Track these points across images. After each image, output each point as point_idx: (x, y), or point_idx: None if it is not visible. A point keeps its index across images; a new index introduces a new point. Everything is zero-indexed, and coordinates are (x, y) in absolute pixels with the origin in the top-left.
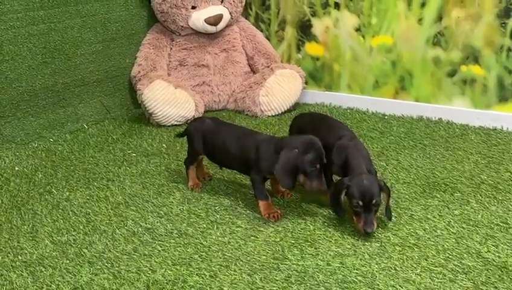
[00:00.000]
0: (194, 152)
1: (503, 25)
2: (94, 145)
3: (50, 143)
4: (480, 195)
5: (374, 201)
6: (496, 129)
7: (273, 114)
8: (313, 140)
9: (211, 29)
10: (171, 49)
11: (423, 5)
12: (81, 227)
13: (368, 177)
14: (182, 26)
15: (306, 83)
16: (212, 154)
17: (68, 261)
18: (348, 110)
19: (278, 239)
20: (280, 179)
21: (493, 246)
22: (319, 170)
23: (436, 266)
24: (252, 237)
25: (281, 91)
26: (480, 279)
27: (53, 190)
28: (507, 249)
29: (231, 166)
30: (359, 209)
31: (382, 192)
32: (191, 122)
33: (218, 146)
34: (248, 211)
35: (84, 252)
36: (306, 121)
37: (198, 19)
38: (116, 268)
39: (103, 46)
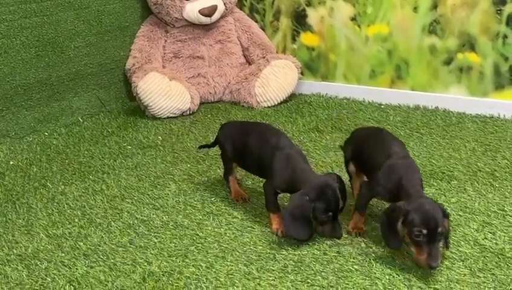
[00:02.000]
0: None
1: (498, 11)
2: (89, 139)
3: (45, 137)
4: (477, 183)
5: (439, 230)
6: (492, 117)
7: (269, 105)
8: (327, 184)
9: (206, 20)
10: (165, 41)
11: None
12: (77, 220)
13: (429, 202)
14: (176, 18)
15: (302, 73)
16: (240, 161)
17: (63, 255)
18: (344, 100)
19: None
20: (285, 227)
21: (490, 233)
22: (332, 216)
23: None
24: (249, 228)
25: (276, 82)
26: (478, 266)
27: (48, 184)
28: (504, 236)
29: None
30: (421, 239)
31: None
32: (221, 128)
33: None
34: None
35: (79, 245)
36: (358, 138)
37: (192, 10)
38: (112, 260)
39: (97, 38)
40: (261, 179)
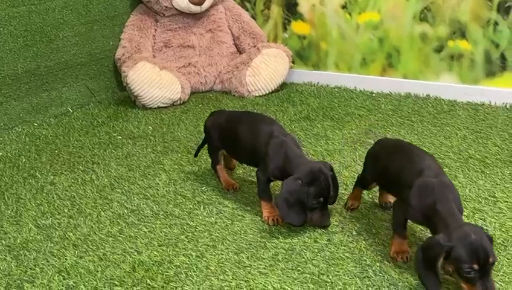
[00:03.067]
0: (214, 148)
1: None
2: (79, 129)
3: (34, 127)
4: (468, 169)
5: (490, 260)
6: (483, 104)
7: (260, 94)
8: (320, 169)
9: (196, 9)
10: (155, 30)
11: None
12: (66, 210)
13: (473, 229)
14: (166, 7)
15: (293, 62)
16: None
17: (52, 245)
18: (336, 89)
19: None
20: (281, 213)
21: (481, 219)
22: (322, 203)
23: (422, 241)
24: (239, 217)
25: (267, 71)
26: None
27: (37, 174)
28: (495, 223)
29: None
30: (473, 276)
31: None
32: (208, 117)
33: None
34: (235, 191)
35: (69, 236)
36: (382, 149)
37: None
38: (102, 250)
39: (86, 28)
40: (252, 168)
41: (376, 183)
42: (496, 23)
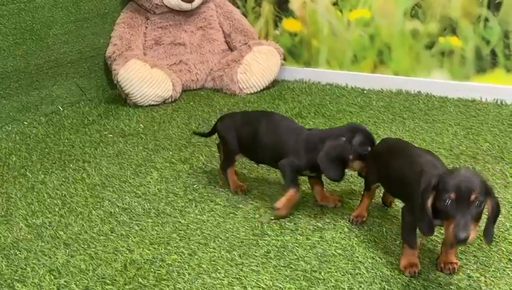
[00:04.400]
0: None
1: None
2: (70, 127)
3: (24, 126)
4: (459, 166)
5: (472, 197)
6: (474, 100)
7: (252, 91)
8: (358, 124)
9: (186, 6)
10: (146, 28)
11: None
12: (57, 209)
13: (468, 170)
14: (157, 4)
15: (284, 59)
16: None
17: (43, 244)
18: (327, 86)
19: (257, 215)
20: (324, 169)
21: None
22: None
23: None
24: (231, 214)
25: (259, 68)
26: (460, 248)
27: (28, 173)
28: (485, 219)
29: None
30: (450, 206)
31: (488, 198)
32: (220, 119)
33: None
34: (227, 189)
35: (60, 234)
36: (382, 150)
37: None
38: (93, 249)
39: (76, 26)
40: (254, 166)
41: (381, 185)
42: (487, 20)
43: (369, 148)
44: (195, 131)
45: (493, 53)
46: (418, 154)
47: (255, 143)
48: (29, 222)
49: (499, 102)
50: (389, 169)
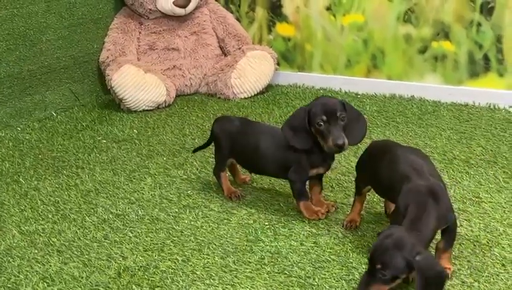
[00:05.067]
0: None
1: None
2: (63, 133)
3: (17, 132)
4: (453, 170)
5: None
6: (467, 105)
7: (246, 96)
8: (325, 97)
9: (180, 11)
10: (140, 33)
11: None
12: (50, 216)
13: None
14: (150, 9)
15: (278, 64)
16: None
17: (37, 251)
18: (321, 90)
19: (251, 221)
20: (288, 139)
21: (466, 220)
22: (329, 123)
23: None
24: (225, 220)
25: (253, 73)
26: (453, 253)
27: (21, 179)
28: (479, 223)
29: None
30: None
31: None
32: (215, 122)
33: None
34: (221, 194)
35: (53, 241)
36: (370, 153)
37: (166, 1)
38: (86, 256)
39: (69, 31)
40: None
41: (372, 188)
42: (479, 24)
43: (324, 119)
44: (195, 149)
45: (486, 57)
46: (403, 155)
47: (253, 154)
48: (22, 229)
49: (491, 106)
50: (377, 172)
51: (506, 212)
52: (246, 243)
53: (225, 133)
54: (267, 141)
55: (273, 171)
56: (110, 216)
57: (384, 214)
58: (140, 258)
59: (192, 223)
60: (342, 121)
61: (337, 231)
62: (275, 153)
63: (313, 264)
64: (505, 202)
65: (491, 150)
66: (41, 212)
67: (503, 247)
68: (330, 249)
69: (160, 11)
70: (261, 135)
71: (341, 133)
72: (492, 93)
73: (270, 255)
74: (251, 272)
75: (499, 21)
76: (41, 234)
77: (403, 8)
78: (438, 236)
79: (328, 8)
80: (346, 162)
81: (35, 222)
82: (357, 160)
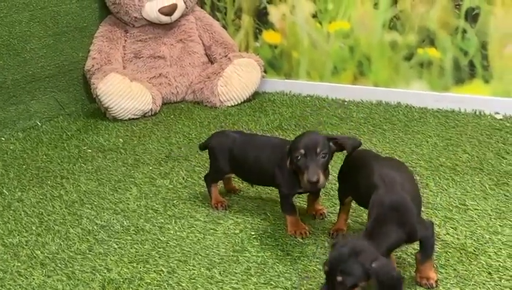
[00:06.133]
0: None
1: (457, 6)
2: (48, 143)
3: (1, 142)
4: (439, 177)
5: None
6: (453, 111)
7: (233, 104)
8: (310, 132)
9: (166, 19)
10: (125, 41)
11: None
12: (34, 228)
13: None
14: (136, 18)
15: (265, 71)
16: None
17: (20, 264)
18: (308, 98)
19: (238, 231)
20: (278, 180)
21: (452, 228)
22: (307, 157)
23: (395, 251)
24: (211, 230)
25: (239, 80)
26: (440, 262)
27: (4, 191)
28: (465, 231)
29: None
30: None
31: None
32: (213, 136)
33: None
34: (207, 204)
35: (36, 254)
36: (348, 163)
37: (152, 9)
38: (70, 269)
39: (54, 40)
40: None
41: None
42: (464, 31)
43: (301, 153)
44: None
45: (471, 64)
46: (377, 167)
47: (251, 167)
48: (5, 241)
49: (477, 112)
50: (355, 182)
51: (493, 219)
52: (232, 254)
53: (224, 149)
54: (265, 153)
55: (271, 183)
56: (95, 227)
57: None
58: (125, 270)
59: (178, 233)
60: (323, 158)
61: (323, 241)
62: (272, 165)
63: (300, 275)
64: (491, 210)
65: (477, 157)
66: (25, 224)
67: (489, 255)
68: (317, 258)
69: (145, 19)
70: (259, 147)
71: (317, 169)
72: (478, 99)
73: (257, 265)
74: (237, 283)
75: (483, 28)
76: (25, 247)
77: (388, 16)
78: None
79: (314, 16)
80: (333, 171)
81: (18, 234)
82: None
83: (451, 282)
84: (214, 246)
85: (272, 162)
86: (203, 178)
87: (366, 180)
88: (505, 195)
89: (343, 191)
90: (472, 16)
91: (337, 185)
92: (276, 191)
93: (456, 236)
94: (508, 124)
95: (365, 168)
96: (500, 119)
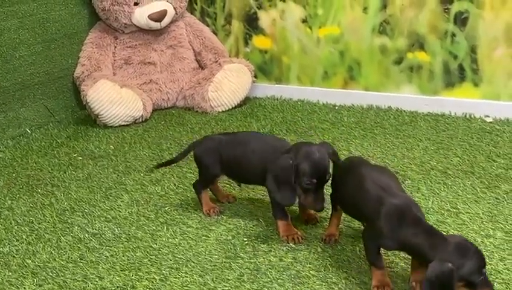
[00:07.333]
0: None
1: (446, 10)
2: (38, 150)
3: None
4: (430, 181)
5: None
6: (444, 115)
7: (224, 109)
8: (315, 148)
9: (155, 25)
10: (115, 47)
11: None
12: (24, 236)
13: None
14: (125, 24)
15: (255, 76)
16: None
17: (11, 273)
18: (299, 102)
19: (230, 237)
20: (272, 193)
21: (444, 232)
22: (316, 184)
23: (388, 255)
24: (204, 237)
25: (230, 86)
26: None
27: None
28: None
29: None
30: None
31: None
32: (195, 145)
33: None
34: (199, 210)
35: (27, 263)
36: (340, 170)
37: (141, 15)
38: (62, 277)
39: (43, 47)
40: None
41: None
42: (454, 35)
43: (314, 182)
44: (159, 164)
45: (461, 67)
46: (369, 175)
47: (242, 165)
48: None
49: (467, 116)
50: (343, 190)
51: (484, 223)
52: (224, 260)
53: (211, 153)
54: (256, 151)
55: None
56: (86, 235)
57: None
58: (117, 278)
59: (170, 240)
60: (328, 180)
61: (316, 246)
62: (262, 164)
63: (293, 280)
64: (482, 213)
65: (468, 160)
66: (16, 232)
67: None
68: (310, 264)
69: (135, 25)
70: (247, 144)
71: (322, 195)
72: (468, 103)
73: (249, 271)
74: None
75: (472, 31)
76: (15, 256)
77: (378, 20)
78: None
79: (304, 21)
80: None
81: (9, 243)
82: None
83: None
84: (207, 252)
85: (262, 160)
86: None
87: (359, 189)
88: (496, 198)
89: (334, 197)
90: (461, 20)
91: (328, 189)
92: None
93: None
94: (498, 127)
95: (356, 176)
96: (490, 123)
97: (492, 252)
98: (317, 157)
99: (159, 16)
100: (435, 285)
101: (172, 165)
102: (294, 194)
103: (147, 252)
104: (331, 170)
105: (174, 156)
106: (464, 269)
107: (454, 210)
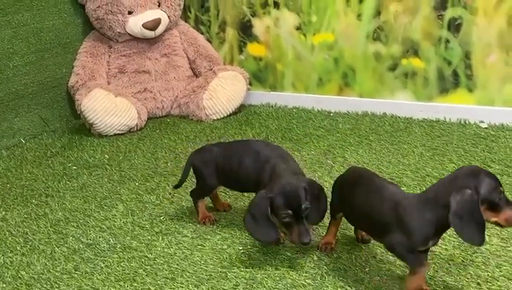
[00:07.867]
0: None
1: (440, 16)
2: (32, 160)
3: None
4: (426, 187)
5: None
6: (438, 121)
7: (218, 117)
8: (290, 181)
9: (150, 34)
10: (109, 56)
11: (361, 0)
12: (18, 248)
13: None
14: (119, 33)
15: (250, 84)
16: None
17: (4, 285)
18: (294, 110)
19: (226, 246)
20: (248, 229)
21: (440, 239)
22: (294, 216)
23: (384, 263)
24: (199, 246)
25: (224, 94)
26: (428, 273)
27: None
28: (453, 241)
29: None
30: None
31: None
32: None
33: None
34: (194, 219)
35: (21, 275)
36: (346, 180)
37: (135, 24)
38: (56, 289)
39: (37, 56)
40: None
41: (344, 215)
42: (447, 41)
43: (289, 214)
44: (176, 185)
45: (455, 73)
46: (384, 186)
47: (238, 175)
48: None
49: (462, 122)
50: (353, 201)
51: None
52: (220, 270)
53: (208, 165)
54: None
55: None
56: (81, 246)
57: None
58: (112, 289)
59: (165, 250)
60: (306, 211)
61: (312, 254)
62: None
63: (289, 289)
64: None
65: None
66: (9, 244)
67: (477, 265)
68: (306, 273)
69: (129, 33)
70: (242, 154)
71: (306, 228)
72: (463, 108)
73: (245, 281)
74: None
75: (466, 37)
76: (9, 267)
77: (372, 27)
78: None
79: (298, 28)
80: (320, 182)
81: (3, 255)
82: (331, 180)
83: None
84: (202, 262)
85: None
86: (188, 192)
87: (378, 199)
88: None
89: (336, 207)
90: (455, 26)
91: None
92: None
93: (444, 247)
94: (492, 133)
95: (371, 187)
96: (485, 128)
97: (489, 259)
98: (289, 189)
99: (153, 25)
100: (462, 217)
101: (167, 174)
102: (274, 229)
103: (142, 262)
104: (307, 199)
105: (169, 165)
106: (482, 189)
107: None
